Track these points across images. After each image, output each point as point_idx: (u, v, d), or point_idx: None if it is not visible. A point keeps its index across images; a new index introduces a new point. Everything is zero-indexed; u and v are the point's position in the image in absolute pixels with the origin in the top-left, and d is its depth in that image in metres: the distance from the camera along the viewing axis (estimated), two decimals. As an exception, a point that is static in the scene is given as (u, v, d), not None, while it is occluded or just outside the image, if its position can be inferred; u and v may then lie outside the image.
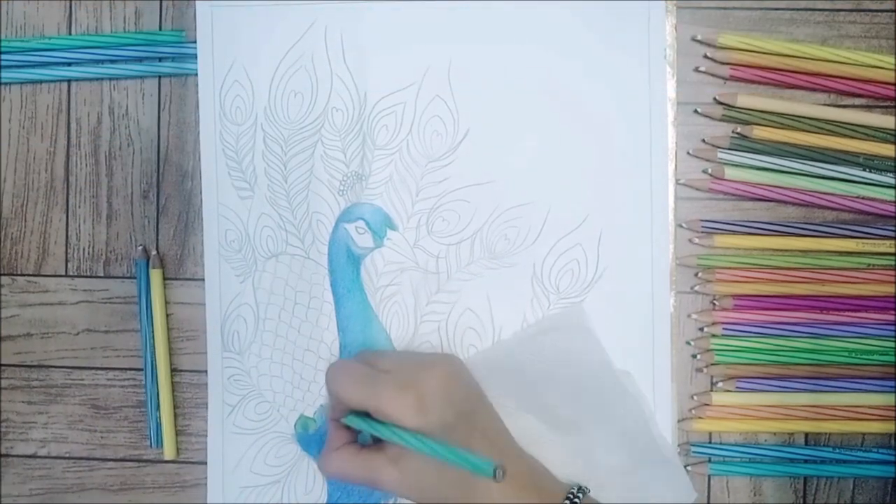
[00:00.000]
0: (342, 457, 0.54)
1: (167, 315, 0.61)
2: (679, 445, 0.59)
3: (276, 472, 0.60)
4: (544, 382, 0.58)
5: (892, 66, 0.58)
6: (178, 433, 0.61)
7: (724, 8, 0.59)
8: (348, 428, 0.55)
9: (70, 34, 0.61)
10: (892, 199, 0.58)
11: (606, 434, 0.57)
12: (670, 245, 0.58)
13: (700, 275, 0.59)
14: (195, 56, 0.60)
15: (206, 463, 0.61)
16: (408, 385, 0.51)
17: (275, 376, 0.60)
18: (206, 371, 0.61)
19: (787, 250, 0.59)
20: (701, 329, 0.59)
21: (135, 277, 0.61)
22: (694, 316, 0.59)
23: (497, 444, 0.54)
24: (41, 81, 0.61)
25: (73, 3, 0.61)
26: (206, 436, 0.60)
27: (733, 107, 0.58)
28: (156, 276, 0.61)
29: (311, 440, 0.59)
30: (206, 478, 0.61)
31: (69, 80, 0.61)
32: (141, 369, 0.61)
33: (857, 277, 0.58)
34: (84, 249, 0.62)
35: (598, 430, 0.58)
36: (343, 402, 0.53)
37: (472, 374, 0.55)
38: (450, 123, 0.59)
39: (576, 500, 0.52)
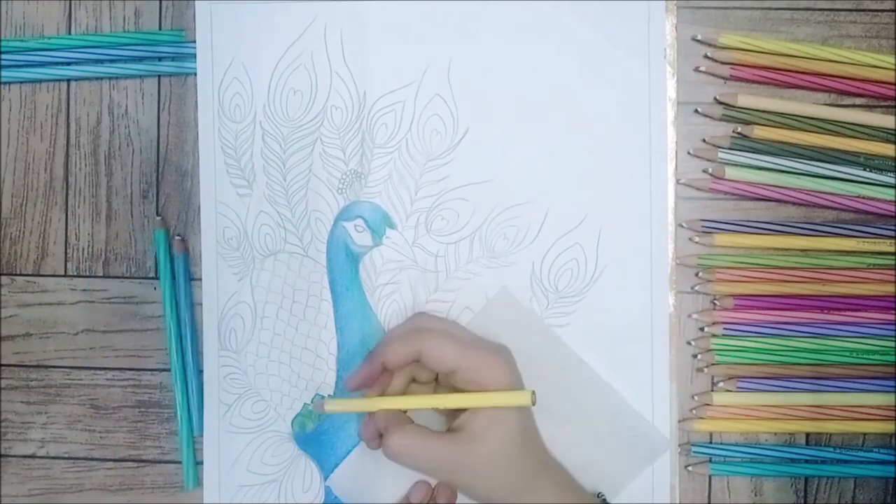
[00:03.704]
0: (411, 437, 0.53)
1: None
2: (680, 445, 0.59)
3: (274, 471, 0.60)
4: None
5: (893, 66, 0.58)
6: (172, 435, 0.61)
7: (725, 7, 0.59)
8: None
9: (70, 34, 0.61)
10: (893, 198, 0.58)
11: (573, 405, 0.58)
12: (670, 245, 0.58)
13: (700, 274, 0.59)
14: (195, 56, 0.60)
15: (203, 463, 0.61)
16: (499, 351, 0.53)
17: (272, 375, 0.60)
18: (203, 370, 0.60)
19: (787, 250, 0.58)
20: (701, 329, 0.59)
21: (134, 278, 0.61)
22: (694, 316, 0.59)
23: (545, 446, 0.55)
24: (41, 81, 0.61)
25: (72, 2, 0.61)
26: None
27: (734, 106, 0.58)
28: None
29: (309, 439, 0.59)
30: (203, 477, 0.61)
31: (69, 80, 0.61)
32: (141, 369, 0.61)
33: (858, 277, 0.58)
34: (83, 249, 0.62)
35: (562, 403, 0.58)
36: (436, 362, 0.53)
37: None
38: (449, 122, 0.59)
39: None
